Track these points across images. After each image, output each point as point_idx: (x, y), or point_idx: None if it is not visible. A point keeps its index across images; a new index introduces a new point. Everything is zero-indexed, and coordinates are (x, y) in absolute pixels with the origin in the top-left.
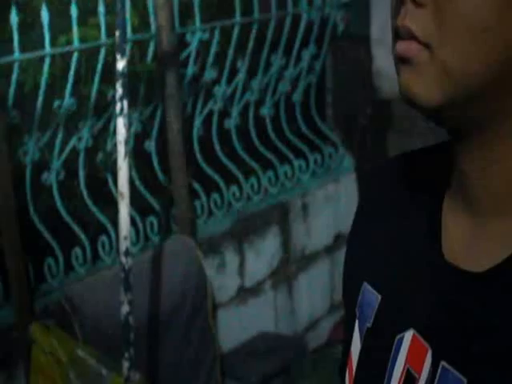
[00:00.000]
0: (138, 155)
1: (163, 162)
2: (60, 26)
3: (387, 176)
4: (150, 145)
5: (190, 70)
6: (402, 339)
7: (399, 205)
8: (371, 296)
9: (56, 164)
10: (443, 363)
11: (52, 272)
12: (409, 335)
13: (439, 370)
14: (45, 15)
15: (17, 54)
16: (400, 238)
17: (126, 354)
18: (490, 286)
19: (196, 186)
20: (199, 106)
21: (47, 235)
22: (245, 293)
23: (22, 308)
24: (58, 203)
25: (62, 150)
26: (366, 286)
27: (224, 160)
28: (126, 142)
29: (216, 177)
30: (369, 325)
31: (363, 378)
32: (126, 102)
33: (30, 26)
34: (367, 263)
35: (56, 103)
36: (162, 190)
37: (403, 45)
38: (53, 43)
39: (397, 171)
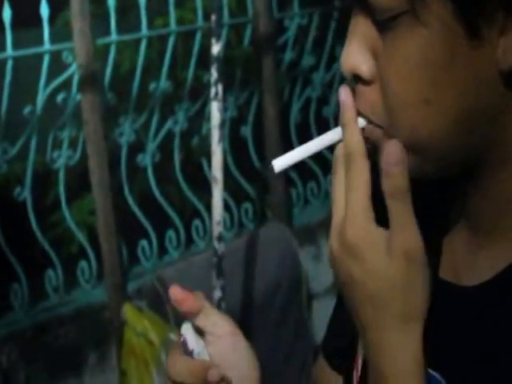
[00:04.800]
0: (233, 141)
1: (259, 149)
2: (157, 8)
3: None
4: (246, 130)
5: (288, 55)
6: None
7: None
8: None
9: (151, 146)
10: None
11: (146, 254)
12: None
13: None
14: None
15: (114, 36)
16: None
17: None
18: (480, 299)
19: (292, 173)
20: (297, 92)
21: (141, 217)
22: None
23: (115, 289)
24: (153, 185)
25: (157, 133)
26: None
27: None
28: (220, 127)
29: (313, 165)
30: None
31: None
32: (220, 87)
33: (127, 7)
34: None
35: (152, 85)
36: (258, 176)
37: (366, 130)
38: (150, 25)
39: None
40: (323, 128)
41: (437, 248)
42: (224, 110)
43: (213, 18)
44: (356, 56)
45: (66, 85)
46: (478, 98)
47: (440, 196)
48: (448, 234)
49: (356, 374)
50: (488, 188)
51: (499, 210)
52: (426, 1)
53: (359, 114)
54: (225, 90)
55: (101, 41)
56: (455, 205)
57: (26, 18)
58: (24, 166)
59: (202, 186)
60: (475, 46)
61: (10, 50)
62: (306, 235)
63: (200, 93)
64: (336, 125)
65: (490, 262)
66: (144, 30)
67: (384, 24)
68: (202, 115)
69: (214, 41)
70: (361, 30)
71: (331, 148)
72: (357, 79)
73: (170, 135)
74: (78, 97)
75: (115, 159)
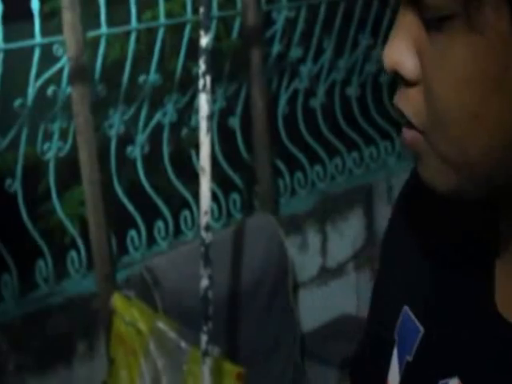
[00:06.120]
0: (222, 132)
1: (247, 140)
2: (146, 1)
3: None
4: (235, 122)
5: (276, 47)
6: None
7: (443, 235)
8: (412, 325)
9: (141, 138)
10: None
11: (134, 244)
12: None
13: None
14: None
15: (104, 29)
16: (444, 273)
17: (205, 328)
18: None
19: (279, 164)
20: (284, 84)
21: (130, 208)
22: (326, 273)
23: (104, 278)
24: (142, 177)
25: (146, 124)
26: (407, 311)
27: (308, 139)
28: (209, 118)
29: (300, 156)
30: (409, 358)
31: None
32: (208, 78)
33: (116, 0)
34: (408, 285)
35: (141, 78)
36: (246, 167)
37: (404, 133)
38: (139, 18)
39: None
40: (310, 119)
41: (493, 283)
42: (212, 101)
43: (201, 10)
44: (400, 51)
45: (56, 77)
46: None
47: (482, 220)
48: (503, 271)
49: None
50: None
51: None
52: (481, 6)
53: (401, 113)
54: (213, 82)
55: (91, 33)
56: (500, 233)
57: (16, 12)
58: (15, 158)
59: (191, 177)
60: None
61: (0, 43)
62: (293, 225)
63: (189, 85)
64: (323, 116)
65: None
66: (133, 23)
67: (434, 24)
68: (191, 107)
69: (202, 33)
70: (407, 26)
71: (319, 139)
72: (398, 77)
73: (159, 127)
74: (69, 89)
75: (105, 151)
